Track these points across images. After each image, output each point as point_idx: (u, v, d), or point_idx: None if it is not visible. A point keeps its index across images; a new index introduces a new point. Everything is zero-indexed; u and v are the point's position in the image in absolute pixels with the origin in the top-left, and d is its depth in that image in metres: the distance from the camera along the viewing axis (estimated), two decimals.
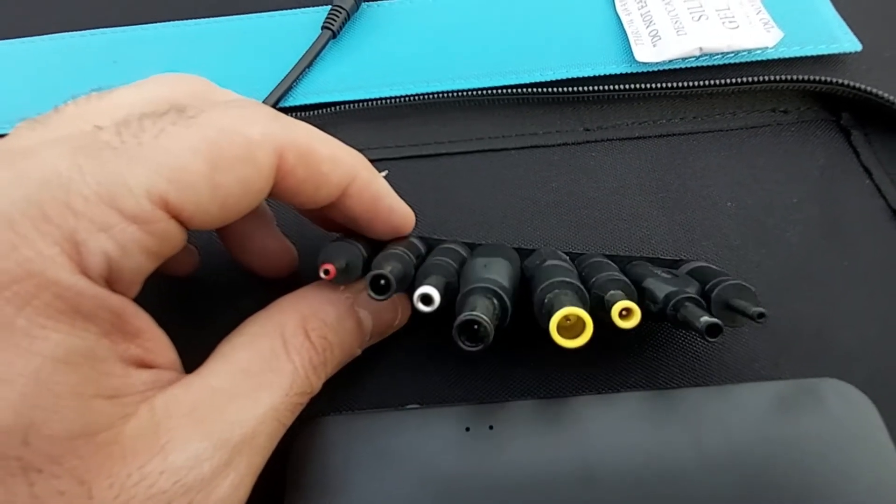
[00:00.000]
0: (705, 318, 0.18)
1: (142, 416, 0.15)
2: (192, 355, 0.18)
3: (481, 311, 0.17)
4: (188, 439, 0.15)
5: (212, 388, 0.17)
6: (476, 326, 0.17)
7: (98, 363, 0.15)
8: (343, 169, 0.19)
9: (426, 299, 0.18)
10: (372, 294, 0.18)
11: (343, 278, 0.19)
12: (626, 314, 0.18)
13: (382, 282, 0.18)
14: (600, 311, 0.19)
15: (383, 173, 0.21)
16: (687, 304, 0.19)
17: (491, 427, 0.20)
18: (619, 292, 0.19)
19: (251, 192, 0.17)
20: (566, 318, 0.17)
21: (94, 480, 0.14)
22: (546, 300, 0.18)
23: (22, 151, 0.15)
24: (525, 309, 0.20)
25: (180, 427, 0.15)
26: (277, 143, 0.17)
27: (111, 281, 0.15)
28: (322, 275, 0.18)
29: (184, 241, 0.17)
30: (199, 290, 0.25)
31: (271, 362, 0.18)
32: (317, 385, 0.19)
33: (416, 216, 0.22)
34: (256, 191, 0.17)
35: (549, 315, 0.17)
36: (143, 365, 0.16)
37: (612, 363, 0.24)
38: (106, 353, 0.15)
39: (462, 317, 0.17)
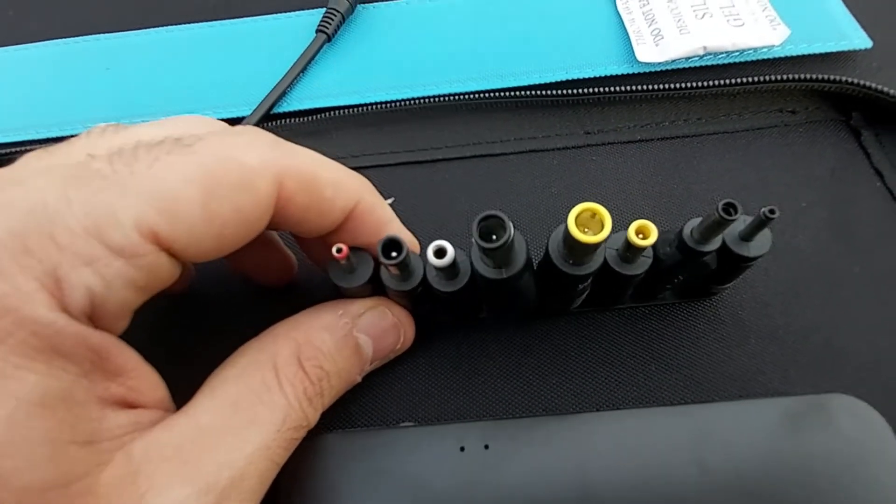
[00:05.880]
0: (720, 204, 0.18)
1: (118, 463, 0.14)
2: (187, 381, 0.17)
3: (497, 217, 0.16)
4: (170, 486, 0.15)
5: (198, 427, 0.16)
6: (494, 220, 0.16)
7: (74, 406, 0.14)
8: (347, 193, 0.19)
9: (440, 252, 0.17)
10: (384, 259, 0.17)
11: (351, 266, 0.19)
12: (643, 234, 0.18)
13: (395, 246, 0.18)
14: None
15: (389, 200, 0.21)
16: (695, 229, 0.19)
17: (486, 446, 0.19)
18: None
19: (248, 221, 0.16)
20: (584, 212, 0.17)
21: None
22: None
23: (12, 180, 0.15)
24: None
25: (161, 473, 0.15)
26: (277, 169, 0.17)
27: (94, 317, 0.15)
28: (334, 252, 0.18)
29: (176, 275, 0.16)
30: (193, 304, 0.25)
31: (262, 395, 0.17)
32: (313, 417, 0.19)
33: (412, 226, 0.22)
34: (254, 220, 0.17)
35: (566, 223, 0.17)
36: (126, 404, 0.16)
37: (613, 377, 0.23)
38: (84, 394, 0.14)
39: (481, 215, 0.16)
